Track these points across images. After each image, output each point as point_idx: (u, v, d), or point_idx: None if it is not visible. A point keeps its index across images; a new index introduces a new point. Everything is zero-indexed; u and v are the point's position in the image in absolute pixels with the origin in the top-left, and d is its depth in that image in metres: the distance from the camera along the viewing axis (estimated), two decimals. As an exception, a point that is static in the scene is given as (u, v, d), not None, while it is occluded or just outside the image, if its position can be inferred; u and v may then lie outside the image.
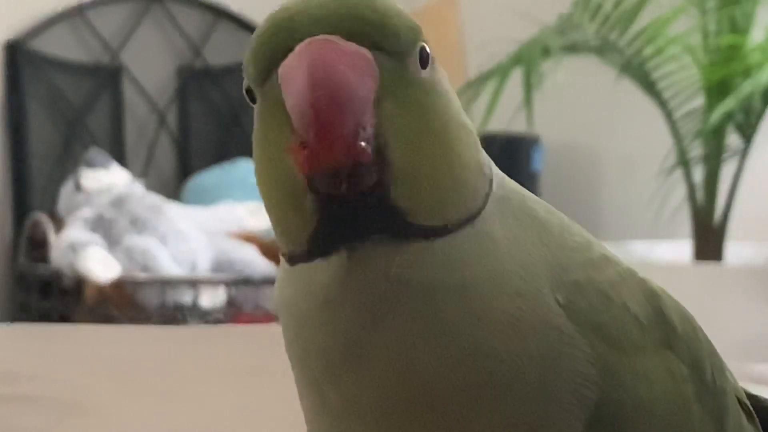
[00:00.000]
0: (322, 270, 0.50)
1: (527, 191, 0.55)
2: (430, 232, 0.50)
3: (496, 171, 0.54)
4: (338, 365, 0.50)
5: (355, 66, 0.48)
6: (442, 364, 0.49)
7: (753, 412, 0.59)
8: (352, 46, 0.48)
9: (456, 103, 0.52)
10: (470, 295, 0.50)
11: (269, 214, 0.52)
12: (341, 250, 0.49)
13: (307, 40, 0.48)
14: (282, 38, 0.49)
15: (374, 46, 0.49)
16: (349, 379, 0.50)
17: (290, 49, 0.48)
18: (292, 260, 0.51)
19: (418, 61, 0.50)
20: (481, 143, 0.54)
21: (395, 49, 0.50)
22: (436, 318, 0.49)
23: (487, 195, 0.52)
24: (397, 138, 0.49)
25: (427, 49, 0.51)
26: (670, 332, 0.54)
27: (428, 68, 0.51)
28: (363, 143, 0.47)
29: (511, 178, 0.55)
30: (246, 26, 3.41)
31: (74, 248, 2.72)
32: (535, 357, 0.50)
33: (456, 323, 0.49)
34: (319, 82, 0.47)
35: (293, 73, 0.47)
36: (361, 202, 0.48)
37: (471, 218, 0.51)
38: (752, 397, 0.62)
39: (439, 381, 0.49)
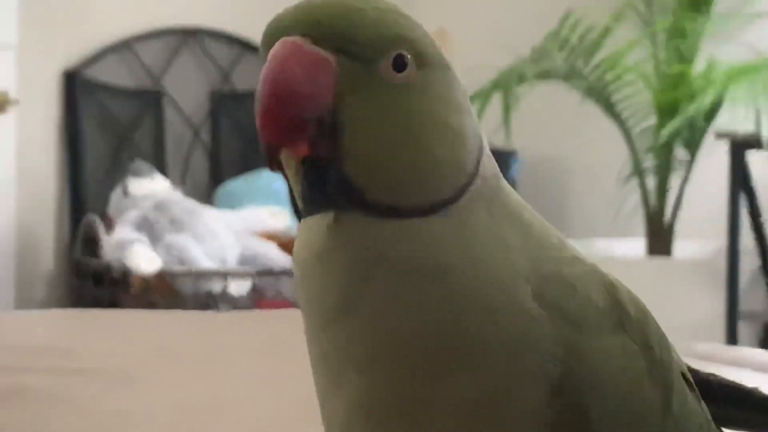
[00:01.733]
0: (316, 227, 0.51)
1: (520, 199, 0.55)
2: (395, 212, 0.50)
3: (496, 178, 0.54)
4: (331, 316, 0.51)
5: (308, 66, 0.49)
6: (417, 332, 0.50)
7: (694, 383, 0.60)
8: (313, 49, 0.49)
9: (448, 105, 0.52)
10: (449, 278, 0.50)
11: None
12: (328, 215, 0.51)
13: (280, 40, 0.49)
14: (271, 33, 0.51)
15: (341, 51, 0.50)
16: (340, 329, 0.51)
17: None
18: (302, 212, 0.53)
19: (390, 65, 0.50)
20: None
21: (362, 55, 0.50)
22: (415, 293, 0.50)
23: (464, 189, 0.51)
24: (352, 124, 0.49)
25: (406, 57, 0.50)
26: (624, 317, 0.54)
27: (405, 72, 0.50)
28: (303, 127, 0.48)
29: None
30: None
31: (122, 245, 2.72)
32: (506, 339, 0.50)
33: (433, 301, 0.50)
34: (271, 77, 0.48)
35: (265, 65, 0.49)
36: (323, 172, 0.50)
37: (439, 205, 0.51)
38: (693, 371, 0.62)
39: (415, 346, 0.50)
